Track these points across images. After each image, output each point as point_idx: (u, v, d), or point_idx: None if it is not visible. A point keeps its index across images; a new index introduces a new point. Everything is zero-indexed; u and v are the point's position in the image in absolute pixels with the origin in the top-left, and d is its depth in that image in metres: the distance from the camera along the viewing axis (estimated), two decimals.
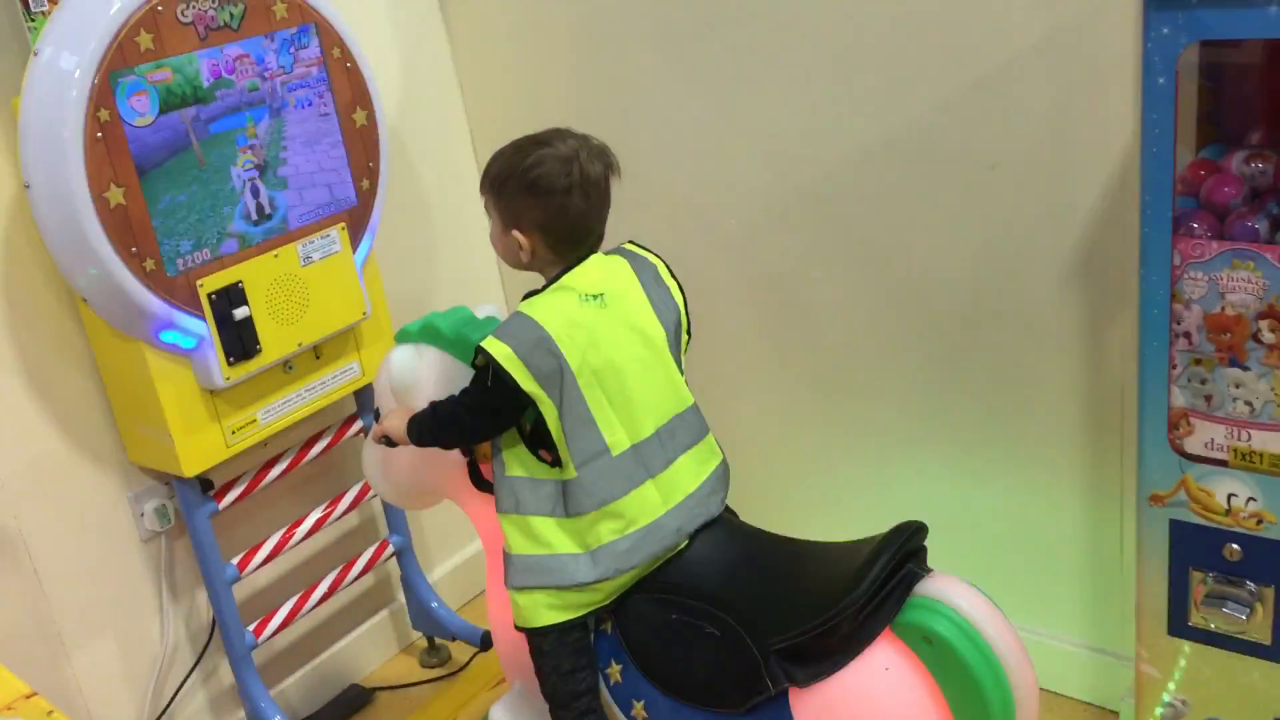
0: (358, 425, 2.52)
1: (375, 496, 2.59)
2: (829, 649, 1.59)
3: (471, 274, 2.88)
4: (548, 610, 1.75)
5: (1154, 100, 1.47)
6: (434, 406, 1.79)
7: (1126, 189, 1.97)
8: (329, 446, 2.48)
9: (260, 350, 2.17)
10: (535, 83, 2.67)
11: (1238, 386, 1.54)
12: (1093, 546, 2.24)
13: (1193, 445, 1.61)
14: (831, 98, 2.23)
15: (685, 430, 1.79)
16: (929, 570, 1.64)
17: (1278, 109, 1.66)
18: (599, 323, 1.70)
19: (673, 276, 1.81)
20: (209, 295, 2.08)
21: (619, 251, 1.80)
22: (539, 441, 1.73)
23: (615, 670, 1.79)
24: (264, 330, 2.17)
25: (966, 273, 2.20)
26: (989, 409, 2.26)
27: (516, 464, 1.74)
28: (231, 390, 2.17)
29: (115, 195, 1.92)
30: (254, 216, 2.14)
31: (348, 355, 2.39)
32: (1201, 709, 1.73)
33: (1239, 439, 1.57)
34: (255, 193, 2.14)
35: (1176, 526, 1.65)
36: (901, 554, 1.60)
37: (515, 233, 1.73)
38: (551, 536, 1.72)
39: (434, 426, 1.79)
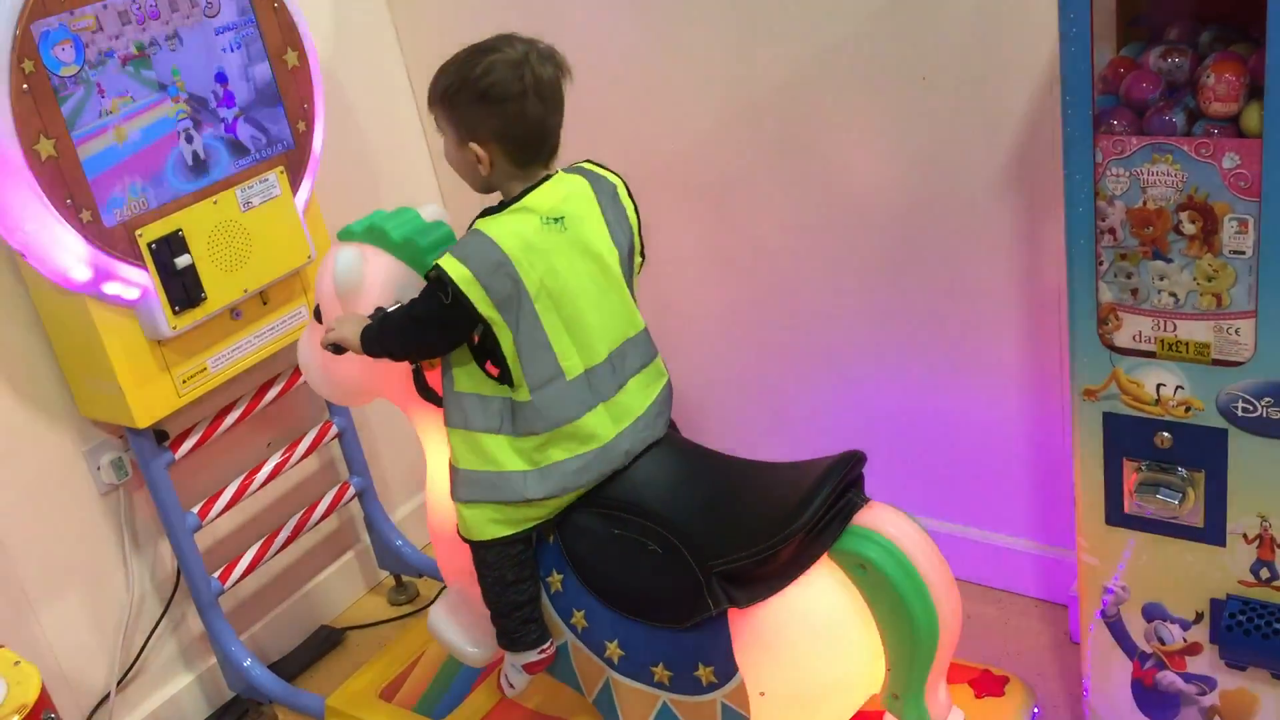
0: None
1: (333, 439, 2.61)
2: (770, 573, 1.64)
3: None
4: (492, 525, 1.77)
5: (1071, 2, 1.49)
6: (385, 318, 1.77)
7: (1054, 92, 2.00)
8: (283, 392, 2.48)
9: (205, 298, 2.17)
10: (470, 10, 2.65)
11: (1161, 279, 1.58)
12: (1036, 446, 2.30)
13: (1121, 338, 1.65)
14: (764, 13, 2.23)
15: (636, 354, 1.81)
16: (867, 500, 1.69)
17: (1193, 4, 1.68)
18: (558, 247, 1.69)
19: (630, 197, 1.80)
20: (149, 245, 2.07)
21: (578, 170, 1.78)
22: (486, 354, 1.73)
23: (556, 580, 1.83)
24: (208, 278, 2.17)
25: (903, 183, 2.22)
26: (931, 316, 2.30)
27: (466, 380, 1.74)
28: (179, 339, 2.17)
29: (45, 147, 1.91)
30: (189, 162, 2.13)
31: (295, 300, 2.39)
32: (1141, 594, 1.79)
33: (1165, 330, 1.61)
34: (189, 139, 2.13)
35: (1110, 418, 1.70)
36: (843, 484, 1.64)
37: (473, 145, 1.69)
38: (499, 454, 1.74)
39: (383, 338, 1.77)
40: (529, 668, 1.86)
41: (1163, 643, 1.80)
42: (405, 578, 2.83)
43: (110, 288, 2.05)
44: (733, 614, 1.66)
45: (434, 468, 1.97)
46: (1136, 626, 1.81)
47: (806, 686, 1.68)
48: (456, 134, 1.72)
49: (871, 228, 2.30)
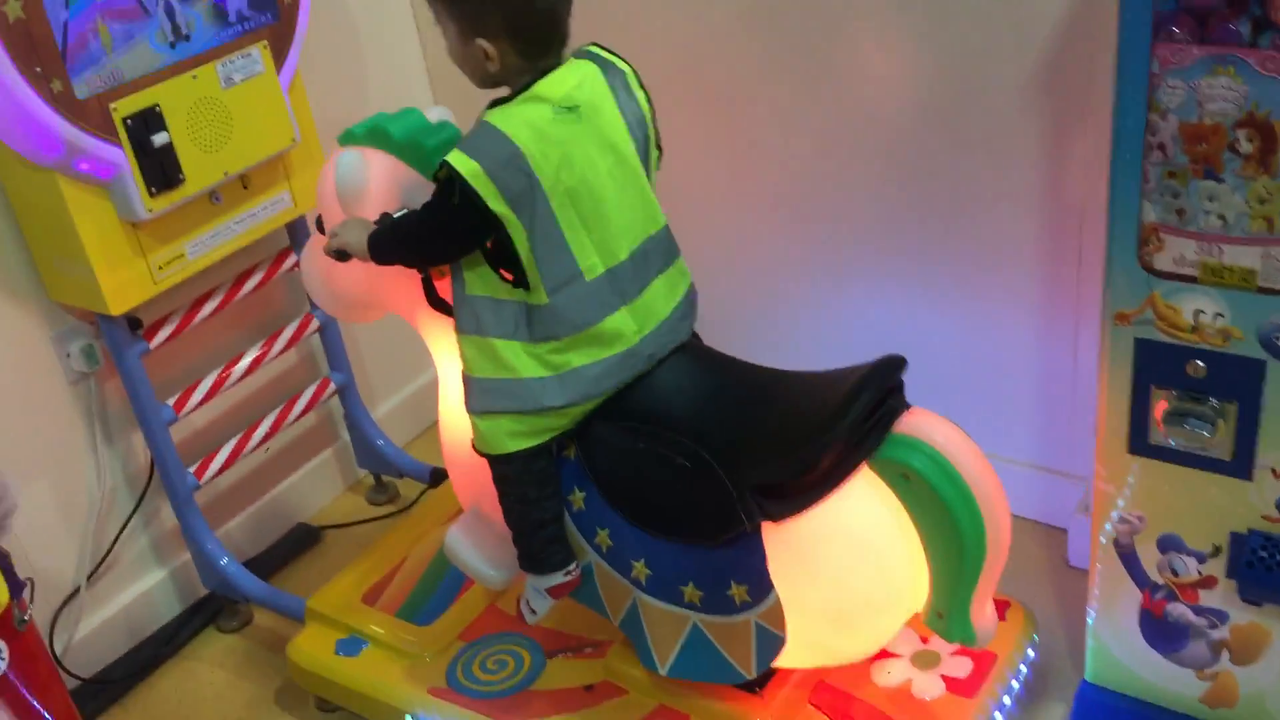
0: (291, 259, 2.41)
1: (314, 333, 2.50)
2: (807, 484, 1.55)
3: (403, 93, 2.72)
4: (510, 437, 1.68)
5: None
6: (395, 224, 1.68)
7: None
8: (263, 282, 2.37)
9: (184, 180, 2.04)
10: None
11: (1211, 200, 1.50)
12: (1044, 368, 2.23)
13: (1162, 261, 1.57)
14: None
15: (658, 252, 1.70)
16: (908, 405, 1.60)
17: None
18: (573, 137, 1.57)
19: (641, 85, 1.68)
20: (124, 120, 1.94)
21: (587, 55, 1.66)
22: (499, 259, 1.62)
23: (578, 498, 1.75)
24: (186, 158, 2.04)
25: (924, 87, 2.11)
26: (945, 230, 2.21)
27: (478, 282, 1.64)
28: (155, 223, 2.05)
29: (13, 8, 1.76)
30: (169, 35, 1.98)
31: (277, 185, 2.27)
32: (1157, 525, 1.74)
33: (1210, 254, 1.53)
34: (169, 10, 1.98)
35: (1141, 345, 1.62)
36: (883, 389, 1.56)
37: (480, 41, 1.57)
38: (515, 360, 1.64)
39: (394, 244, 1.68)
40: (554, 591, 1.78)
41: (1175, 575, 1.75)
42: (385, 477, 2.75)
43: (82, 165, 1.92)
44: (767, 529, 1.58)
45: (447, 383, 1.88)
46: (1149, 557, 1.77)
47: (845, 604, 1.61)
48: (460, 29, 1.59)
49: (887, 134, 2.19)
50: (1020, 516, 2.37)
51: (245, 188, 2.21)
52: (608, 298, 1.64)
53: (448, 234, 1.62)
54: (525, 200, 1.55)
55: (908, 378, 2.32)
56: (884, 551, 1.59)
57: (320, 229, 1.91)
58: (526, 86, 1.60)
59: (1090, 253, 2.06)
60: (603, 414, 1.70)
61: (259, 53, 2.13)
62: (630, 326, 1.66)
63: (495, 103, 1.62)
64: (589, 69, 1.63)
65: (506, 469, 1.72)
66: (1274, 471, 1.60)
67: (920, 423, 1.58)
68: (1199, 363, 1.59)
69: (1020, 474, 2.33)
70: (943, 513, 1.54)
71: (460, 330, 1.68)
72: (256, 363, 2.39)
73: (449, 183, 1.55)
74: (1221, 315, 1.54)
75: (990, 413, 2.32)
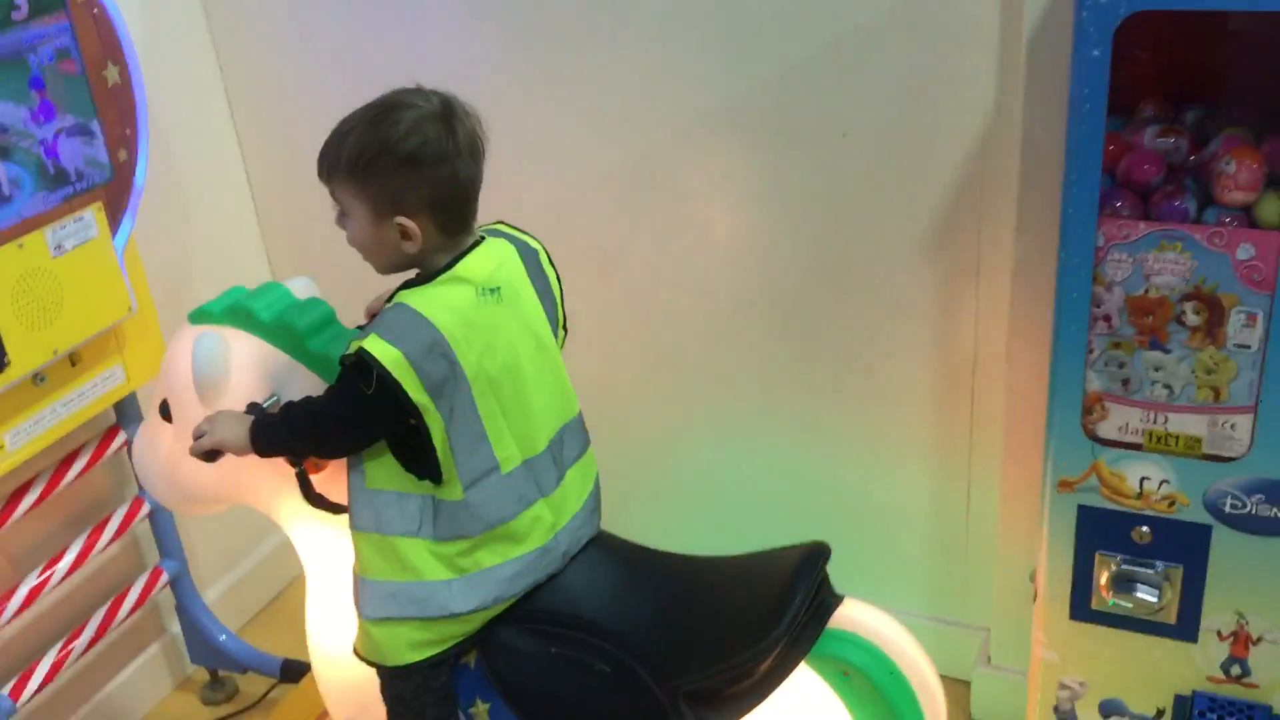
0: (120, 439, 2.14)
1: (143, 519, 2.22)
2: (745, 689, 1.45)
3: (235, 255, 2.51)
4: (410, 648, 1.51)
5: (1086, 73, 1.38)
6: (289, 413, 1.49)
7: (984, 158, 1.91)
8: (88, 466, 2.09)
9: (8, 363, 1.77)
10: (299, 27, 2.33)
11: (1157, 370, 1.50)
12: (939, 517, 2.21)
13: (1106, 430, 1.56)
14: (667, 59, 2.05)
15: (573, 442, 1.59)
16: (840, 597, 1.54)
17: (1169, 77, 1.62)
18: (496, 322, 1.45)
19: (551, 263, 1.58)
20: None
21: (500, 235, 1.54)
22: (407, 451, 1.46)
23: (481, 710, 1.57)
24: (10, 338, 1.78)
25: (814, 243, 2.09)
26: (835, 382, 2.17)
27: (381, 475, 1.47)
28: None
29: None
30: None
31: (109, 359, 2.01)
32: (1099, 690, 1.71)
33: (1155, 422, 1.53)
34: None
35: (1085, 512, 1.61)
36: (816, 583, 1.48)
37: (400, 220, 1.42)
38: (418, 561, 1.47)
39: (288, 435, 1.49)
40: None
41: None
42: (221, 672, 2.45)
43: None
44: None
45: (316, 588, 1.68)
46: None
47: None
48: (373, 210, 1.43)
49: (774, 292, 2.14)
50: None
51: (73, 364, 1.95)
52: (525, 491, 1.51)
53: (357, 425, 1.46)
54: (446, 389, 1.42)
55: (799, 527, 2.26)
56: None
57: (165, 415, 1.69)
58: (446, 267, 1.47)
59: (984, 402, 2.06)
60: (507, 616, 1.55)
61: (92, 215, 1.90)
62: (547, 521, 1.54)
63: (408, 284, 1.49)
64: (507, 249, 1.53)
65: (403, 686, 1.54)
66: (1219, 634, 1.60)
67: (857, 616, 1.55)
68: (1144, 529, 1.58)
69: (918, 626, 2.26)
70: (884, 711, 1.52)
71: (356, 527, 1.51)
72: (80, 559, 2.09)
73: (362, 369, 1.39)
74: (1167, 481, 1.55)
75: (885, 564, 2.28)
